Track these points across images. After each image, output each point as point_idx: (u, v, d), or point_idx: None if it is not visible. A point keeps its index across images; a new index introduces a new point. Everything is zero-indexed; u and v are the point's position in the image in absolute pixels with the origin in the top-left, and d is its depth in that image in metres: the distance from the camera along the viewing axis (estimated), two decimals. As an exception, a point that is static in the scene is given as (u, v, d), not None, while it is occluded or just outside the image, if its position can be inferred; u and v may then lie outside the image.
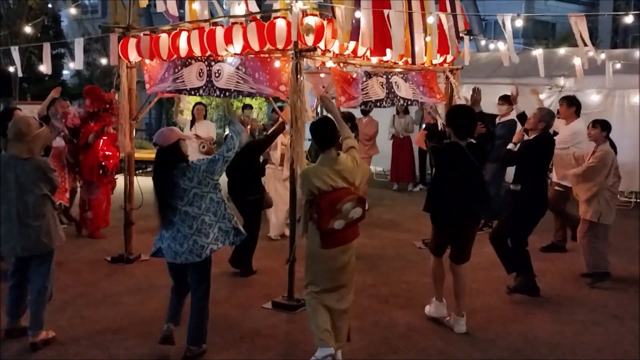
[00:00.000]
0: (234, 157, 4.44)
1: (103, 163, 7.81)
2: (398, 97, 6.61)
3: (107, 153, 7.84)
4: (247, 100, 14.68)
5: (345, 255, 4.27)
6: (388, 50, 5.86)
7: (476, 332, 4.96)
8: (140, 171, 11.96)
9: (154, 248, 4.49)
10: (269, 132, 6.93)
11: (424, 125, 11.23)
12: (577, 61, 7.46)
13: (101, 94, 7.83)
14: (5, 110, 6.80)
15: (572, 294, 5.94)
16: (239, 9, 6.13)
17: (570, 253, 7.24)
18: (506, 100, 7.98)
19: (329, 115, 4.76)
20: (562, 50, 10.25)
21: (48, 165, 4.70)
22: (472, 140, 4.92)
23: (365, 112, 10.85)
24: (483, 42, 11.41)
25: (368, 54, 5.98)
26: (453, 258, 5.06)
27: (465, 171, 4.85)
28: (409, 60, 6.28)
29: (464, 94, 7.30)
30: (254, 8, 6.34)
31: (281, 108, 6.76)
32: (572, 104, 7.22)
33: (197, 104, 9.27)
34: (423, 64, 6.63)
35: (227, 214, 4.38)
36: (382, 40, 5.63)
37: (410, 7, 6.09)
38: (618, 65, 8.46)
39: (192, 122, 9.02)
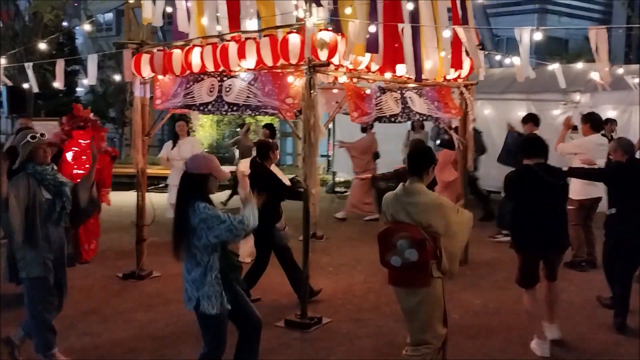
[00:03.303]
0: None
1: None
2: (414, 112, 6.54)
3: (75, 172, 7.08)
4: (266, 120, 14.59)
5: (411, 298, 3.90)
6: (401, 66, 5.80)
7: (494, 353, 4.84)
8: (153, 187, 11.95)
9: None
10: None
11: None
12: (595, 76, 7.37)
13: (76, 112, 7.33)
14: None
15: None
16: (251, 24, 6.10)
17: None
18: (526, 120, 7.93)
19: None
20: (579, 65, 10.13)
21: None
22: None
23: (364, 130, 10.42)
24: (498, 57, 11.34)
25: (383, 68, 5.95)
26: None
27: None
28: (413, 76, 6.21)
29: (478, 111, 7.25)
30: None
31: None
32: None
33: (178, 120, 8.75)
34: (434, 79, 6.57)
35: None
36: (391, 56, 5.57)
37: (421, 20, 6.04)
38: (637, 80, 8.36)
39: (175, 140, 8.31)
